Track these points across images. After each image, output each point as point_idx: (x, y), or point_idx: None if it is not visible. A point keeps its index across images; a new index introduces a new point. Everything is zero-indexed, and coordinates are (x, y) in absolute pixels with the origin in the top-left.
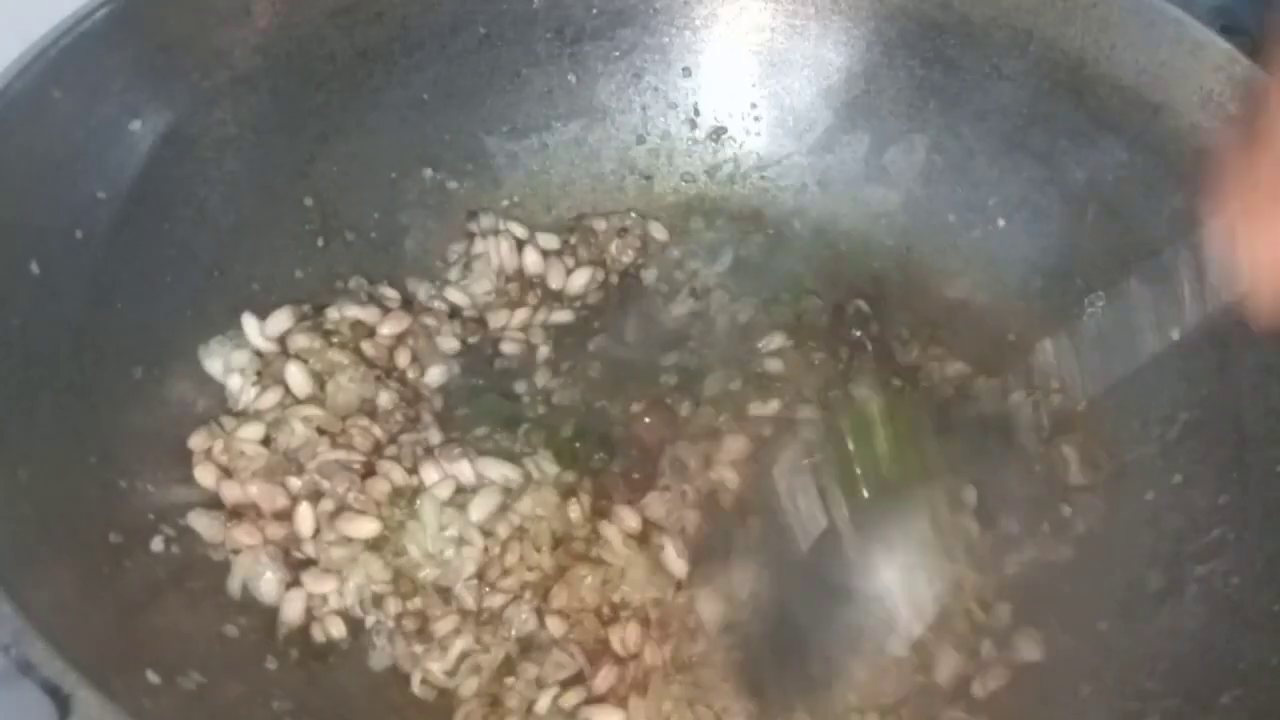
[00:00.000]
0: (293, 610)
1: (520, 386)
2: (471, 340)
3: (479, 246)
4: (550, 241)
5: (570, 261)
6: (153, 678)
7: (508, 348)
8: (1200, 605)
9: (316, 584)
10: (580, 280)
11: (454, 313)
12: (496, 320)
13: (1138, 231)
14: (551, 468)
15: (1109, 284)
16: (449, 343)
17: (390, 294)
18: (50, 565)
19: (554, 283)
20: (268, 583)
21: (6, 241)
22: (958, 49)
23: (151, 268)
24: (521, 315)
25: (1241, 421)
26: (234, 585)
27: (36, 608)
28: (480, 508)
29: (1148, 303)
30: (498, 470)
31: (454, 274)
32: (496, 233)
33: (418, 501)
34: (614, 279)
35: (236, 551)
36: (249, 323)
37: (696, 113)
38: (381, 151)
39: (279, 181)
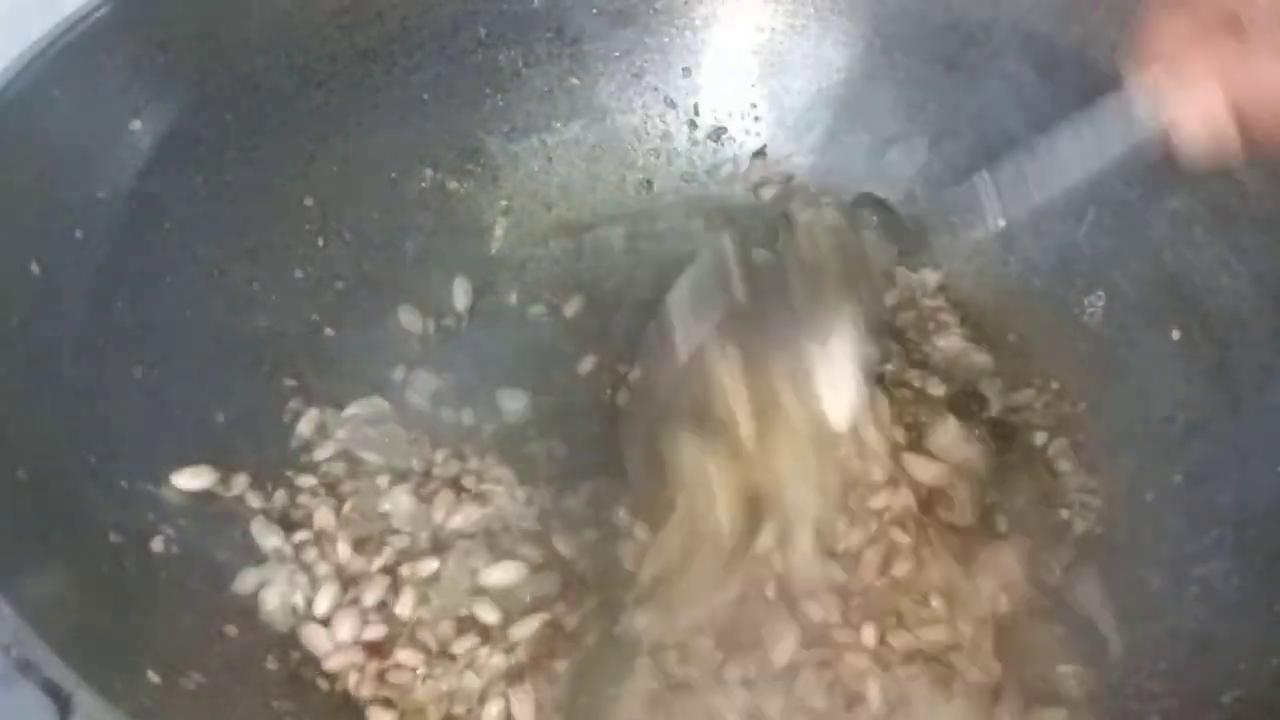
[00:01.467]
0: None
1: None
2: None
3: None
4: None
5: None
6: (153, 677)
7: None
8: (1200, 605)
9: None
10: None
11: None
12: None
13: (1138, 231)
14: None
15: (1109, 284)
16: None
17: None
18: (50, 565)
19: None
20: (285, 607)
21: (6, 241)
22: (957, 49)
23: (151, 268)
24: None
25: (1241, 421)
26: (245, 586)
27: (36, 608)
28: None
29: (1075, 139)
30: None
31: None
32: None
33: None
34: None
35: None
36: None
37: (696, 113)
38: (381, 151)
39: (279, 181)
